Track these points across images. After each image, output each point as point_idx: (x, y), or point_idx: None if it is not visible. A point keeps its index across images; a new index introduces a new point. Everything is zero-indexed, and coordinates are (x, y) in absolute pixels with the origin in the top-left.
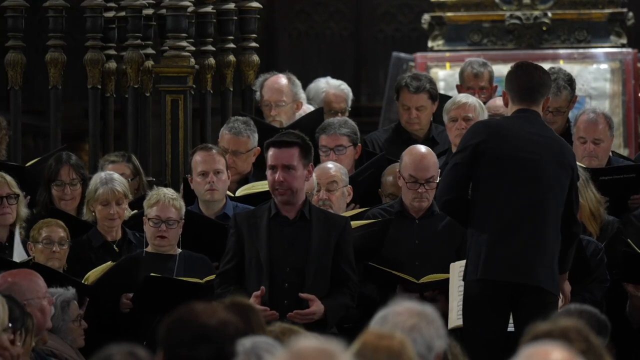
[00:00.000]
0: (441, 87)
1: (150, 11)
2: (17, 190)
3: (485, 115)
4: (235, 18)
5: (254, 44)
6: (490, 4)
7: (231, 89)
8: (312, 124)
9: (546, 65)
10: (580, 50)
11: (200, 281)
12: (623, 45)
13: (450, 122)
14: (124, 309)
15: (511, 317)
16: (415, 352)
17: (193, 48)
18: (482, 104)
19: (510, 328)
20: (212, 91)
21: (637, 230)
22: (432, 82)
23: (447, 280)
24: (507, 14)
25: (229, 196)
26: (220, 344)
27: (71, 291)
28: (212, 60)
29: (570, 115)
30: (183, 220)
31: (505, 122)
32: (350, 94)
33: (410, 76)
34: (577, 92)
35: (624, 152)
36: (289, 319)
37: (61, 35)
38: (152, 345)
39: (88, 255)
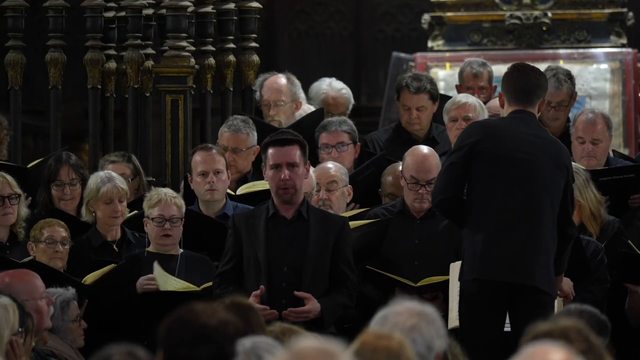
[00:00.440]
0: (441, 87)
1: (150, 11)
2: (19, 190)
3: (485, 115)
4: (235, 18)
5: (254, 44)
6: (490, 4)
7: (231, 89)
8: (313, 124)
9: (546, 65)
10: (580, 50)
11: (197, 289)
12: (623, 45)
13: (450, 122)
14: (144, 290)
15: (507, 317)
16: (414, 352)
17: (193, 48)
18: (482, 104)
19: (507, 328)
20: (212, 91)
21: (638, 230)
22: (433, 83)
23: (445, 282)
24: (507, 14)
25: (230, 195)
26: (220, 344)
27: (71, 291)
28: (212, 60)
29: (571, 115)
30: (183, 219)
31: (501, 123)
32: (352, 99)
33: (410, 76)
34: (578, 92)
35: (624, 152)
36: (284, 317)
37: (61, 35)
38: (152, 345)
39: (87, 255)
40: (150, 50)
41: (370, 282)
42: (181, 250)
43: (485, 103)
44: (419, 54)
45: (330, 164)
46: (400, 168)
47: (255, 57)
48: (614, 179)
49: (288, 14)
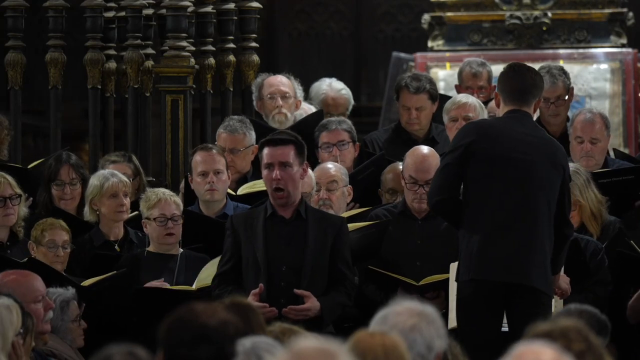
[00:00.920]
0: (441, 87)
1: (150, 11)
2: (20, 191)
3: (485, 115)
4: (235, 18)
5: (254, 44)
6: (490, 4)
7: (231, 89)
8: (313, 125)
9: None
10: (580, 50)
11: (192, 288)
12: (623, 45)
13: (450, 122)
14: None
15: (505, 317)
16: (415, 352)
17: (193, 48)
18: (481, 104)
19: (504, 328)
20: (212, 91)
21: None
22: (432, 83)
23: (446, 280)
24: (507, 14)
25: (230, 195)
26: (220, 344)
27: (70, 291)
28: (212, 60)
29: (570, 115)
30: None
31: (496, 123)
32: (351, 100)
33: (410, 76)
34: (577, 92)
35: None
36: (284, 314)
37: (61, 35)
38: (152, 345)
39: (88, 255)
40: (150, 50)
41: (372, 282)
42: (181, 250)
43: (484, 103)
44: (419, 54)
45: (330, 164)
46: (401, 167)
47: (255, 57)
48: (613, 181)
49: (288, 14)
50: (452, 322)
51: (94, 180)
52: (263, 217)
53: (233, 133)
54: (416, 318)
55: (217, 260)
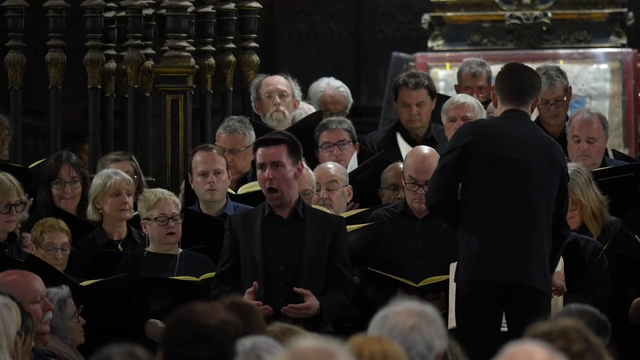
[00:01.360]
0: (441, 87)
1: (150, 11)
2: (25, 198)
3: (483, 115)
4: (235, 18)
5: (254, 44)
6: (490, 4)
7: (231, 89)
8: (312, 125)
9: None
10: (580, 50)
11: (197, 279)
12: (623, 45)
13: (448, 122)
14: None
15: (504, 317)
16: (415, 352)
17: (193, 48)
18: (480, 104)
19: (504, 328)
20: (212, 91)
21: None
22: (430, 79)
23: (445, 281)
24: (507, 14)
25: (231, 195)
26: (220, 344)
27: (65, 289)
28: (212, 60)
29: (570, 115)
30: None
31: (494, 123)
32: (350, 98)
33: (407, 74)
34: (577, 92)
35: (624, 152)
36: (283, 313)
37: (61, 35)
38: (152, 346)
39: (90, 254)
40: (150, 50)
41: (371, 283)
42: (180, 250)
43: (484, 103)
44: (419, 54)
45: (330, 164)
46: (402, 166)
47: (255, 57)
48: (613, 179)
49: (288, 14)
50: (452, 322)
51: (97, 179)
52: (261, 217)
53: (233, 133)
54: (416, 318)
55: None
